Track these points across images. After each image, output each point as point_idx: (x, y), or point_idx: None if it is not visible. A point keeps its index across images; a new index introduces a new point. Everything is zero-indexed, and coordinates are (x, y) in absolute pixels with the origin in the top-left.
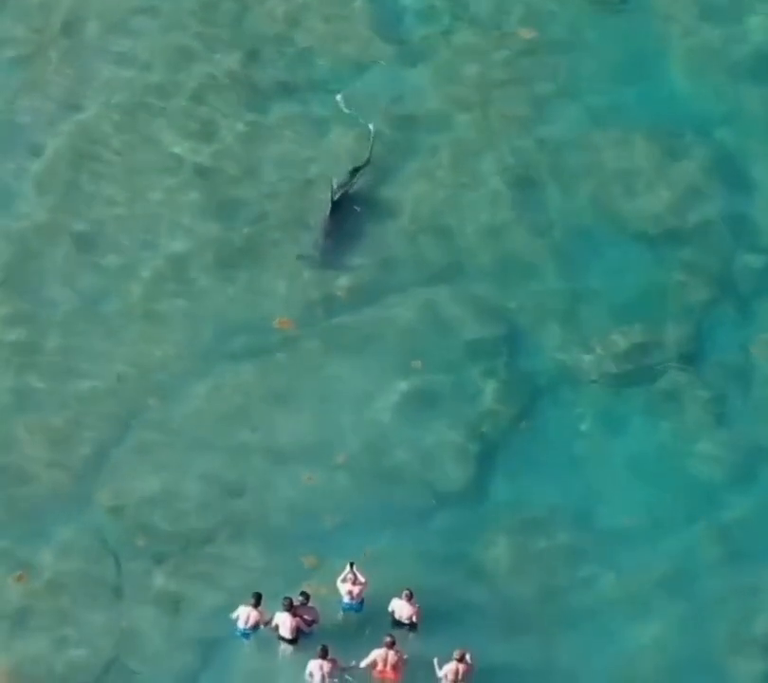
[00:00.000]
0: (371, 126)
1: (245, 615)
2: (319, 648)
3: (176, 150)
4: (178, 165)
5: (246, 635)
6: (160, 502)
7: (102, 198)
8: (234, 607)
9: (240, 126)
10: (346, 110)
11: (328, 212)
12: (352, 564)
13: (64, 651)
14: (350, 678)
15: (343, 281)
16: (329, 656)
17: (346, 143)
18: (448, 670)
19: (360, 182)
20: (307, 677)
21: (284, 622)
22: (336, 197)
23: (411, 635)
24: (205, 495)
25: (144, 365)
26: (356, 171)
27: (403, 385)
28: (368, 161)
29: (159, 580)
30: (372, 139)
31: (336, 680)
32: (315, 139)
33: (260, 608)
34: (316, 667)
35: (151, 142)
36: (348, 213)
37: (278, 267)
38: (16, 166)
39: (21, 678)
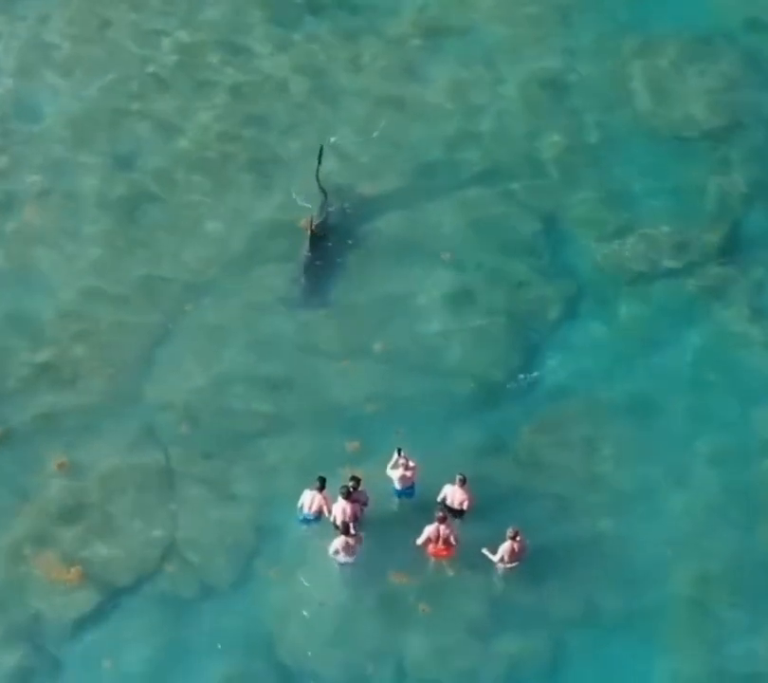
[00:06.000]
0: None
1: (309, 500)
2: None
3: (211, 67)
4: (213, 81)
5: (308, 521)
6: (207, 396)
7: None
8: (282, 495)
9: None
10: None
11: (307, 248)
12: (400, 450)
13: (122, 542)
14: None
15: (375, 185)
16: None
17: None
18: (503, 550)
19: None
20: (331, 554)
21: (344, 510)
22: (315, 230)
23: (458, 522)
24: (250, 388)
25: (180, 270)
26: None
27: (444, 281)
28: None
29: (210, 471)
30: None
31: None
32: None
33: (325, 492)
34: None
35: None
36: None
37: (305, 175)
38: None
39: (81, 570)
